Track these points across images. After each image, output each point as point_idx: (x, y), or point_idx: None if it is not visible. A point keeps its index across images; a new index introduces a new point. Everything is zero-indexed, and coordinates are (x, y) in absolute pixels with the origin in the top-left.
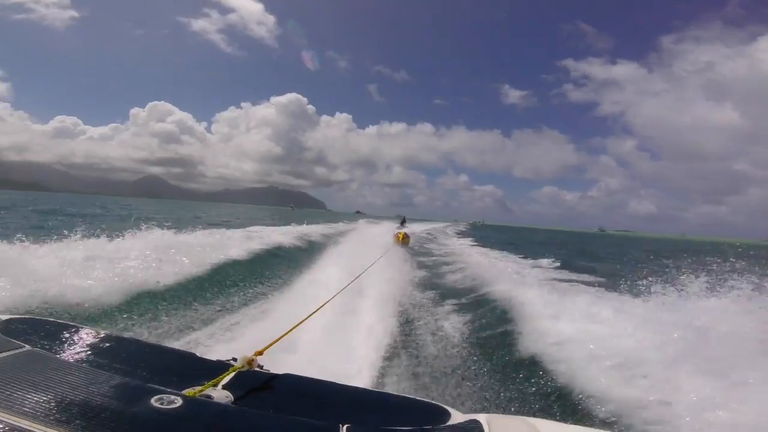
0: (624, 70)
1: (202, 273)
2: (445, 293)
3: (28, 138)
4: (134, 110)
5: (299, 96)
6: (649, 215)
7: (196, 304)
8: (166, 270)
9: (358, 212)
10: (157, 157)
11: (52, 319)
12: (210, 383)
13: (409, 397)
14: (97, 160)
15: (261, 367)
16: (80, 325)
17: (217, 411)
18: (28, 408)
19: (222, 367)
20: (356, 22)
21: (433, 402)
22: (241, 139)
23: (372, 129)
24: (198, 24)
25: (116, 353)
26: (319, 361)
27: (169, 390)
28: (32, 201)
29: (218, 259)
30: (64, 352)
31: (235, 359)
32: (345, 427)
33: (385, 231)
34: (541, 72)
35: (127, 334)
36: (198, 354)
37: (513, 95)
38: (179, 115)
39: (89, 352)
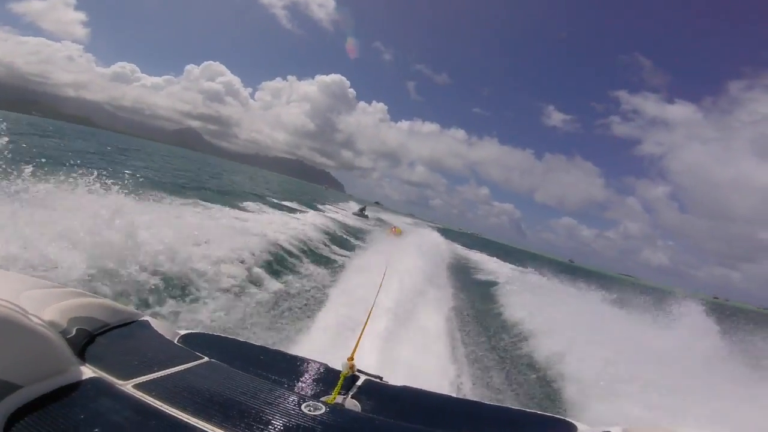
0: (679, 110)
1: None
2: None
3: (89, 78)
4: (189, 66)
5: (343, 78)
6: (661, 267)
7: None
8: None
9: (377, 203)
10: (199, 113)
11: (217, 334)
12: (336, 390)
13: (529, 411)
14: (143, 106)
15: (359, 372)
16: (240, 339)
17: (353, 419)
18: (213, 412)
19: (333, 373)
20: (406, 19)
21: (557, 416)
22: (280, 110)
23: (405, 124)
24: None
25: (268, 363)
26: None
27: (312, 398)
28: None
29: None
30: (231, 363)
31: (336, 368)
32: None
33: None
34: (591, 99)
35: (273, 347)
36: (328, 363)
37: (556, 117)
38: (229, 77)
39: (250, 363)
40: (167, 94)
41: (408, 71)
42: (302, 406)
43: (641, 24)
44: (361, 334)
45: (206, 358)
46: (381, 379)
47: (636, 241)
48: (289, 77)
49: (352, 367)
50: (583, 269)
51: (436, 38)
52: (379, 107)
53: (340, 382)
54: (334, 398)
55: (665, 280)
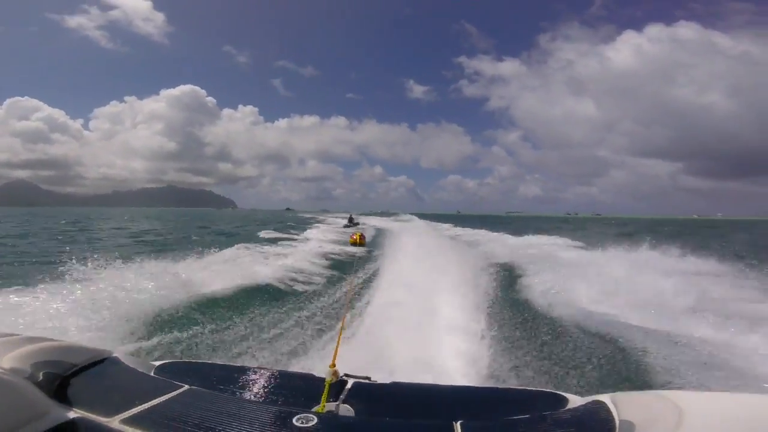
0: (508, 66)
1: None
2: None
3: None
4: None
5: (195, 88)
6: (537, 197)
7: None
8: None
9: (288, 209)
10: (22, 160)
11: (192, 361)
12: (323, 398)
13: (520, 389)
14: None
15: (345, 376)
16: (216, 362)
17: (348, 425)
18: None
19: (319, 381)
20: (252, 18)
21: (547, 390)
22: (126, 136)
23: (282, 122)
24: (74, 21)
25: (250, 382)
26: (399, 362)
27: (301, 410)
28: None
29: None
30: (212, 387)
31: (321, 377)
32: (459, 423)
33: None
34: (440, 68)
35: (251, 364)
36: (315, 373)
37: (417, 90)
38: (48, 111)
39: (232, 385)
40: None
41: (270, 69)
42: (294, 420)
43: None
44: (338, 340)
45: (186, 386)
46: (369, 379)
47: (511, 181)
48: (128, 98)
49: (335, 373)
50: (471, 216)
51: (290, 33)
52: (248, 110)
53: (326, 390)
54: (323, 407)
55: (544, 207)
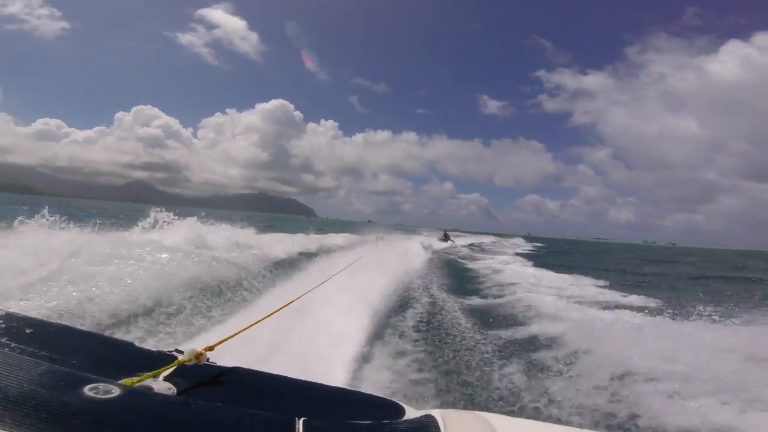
0: (594, 80)
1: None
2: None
3: (12, 140)
4: (119, 114)
5: (285, 102)
6: (629, 223)
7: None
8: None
9: (369, 221)
10: (143, 162)
11: None
12: (149, 374)
13: (364, 393)
14: (81, 164)
15: (209, 362)
16: (2, 307)
17: (158, 402)
18: None
19: (165, 359)
20: (333, 37)
21: (388, 398)
22: (227, 145)
23: (359, 137)
24: (185, 38)
25: (45, 339)
26: (286, 362)
27: (104, 379)
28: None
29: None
30: None
31: (180, 352)
32: (302, 420)
33: None
34: (516, 83)
35: (57, 320)
36: (137, 344)
37: (492, 105)
38: (165, 119)
39: (13, 337)
40: (103, 147)
41: (347, 86)
42: (85, 389)
43: (532, 7)
44: (242, 330)
45: None
46: (208, 360)
47: (599, 203)
48: (228, 110)
49: (198, 356)
50: (540, 238)
51: (365, 51)
52: (329, 125)
53: (168, 367)
54: (140, 381)
55: (637, 234)
